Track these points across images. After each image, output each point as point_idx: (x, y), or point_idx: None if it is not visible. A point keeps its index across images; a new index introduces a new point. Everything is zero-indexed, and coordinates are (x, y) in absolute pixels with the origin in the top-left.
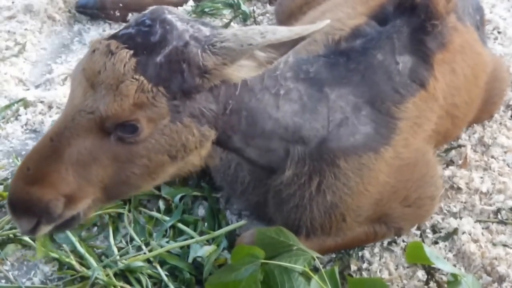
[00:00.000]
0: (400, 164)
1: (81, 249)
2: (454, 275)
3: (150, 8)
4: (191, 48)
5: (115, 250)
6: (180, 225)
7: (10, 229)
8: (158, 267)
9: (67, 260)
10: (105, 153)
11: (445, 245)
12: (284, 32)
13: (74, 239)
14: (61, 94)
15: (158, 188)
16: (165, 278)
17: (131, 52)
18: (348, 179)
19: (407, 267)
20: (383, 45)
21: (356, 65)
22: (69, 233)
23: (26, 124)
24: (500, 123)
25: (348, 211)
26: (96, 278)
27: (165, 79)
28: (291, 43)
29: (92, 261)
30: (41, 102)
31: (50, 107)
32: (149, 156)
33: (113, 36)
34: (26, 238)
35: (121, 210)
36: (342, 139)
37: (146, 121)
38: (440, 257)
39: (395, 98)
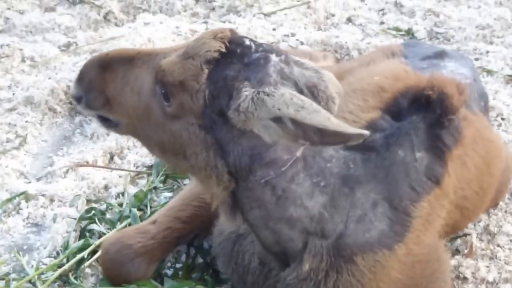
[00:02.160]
0: (412, 261)
1: None
2: None
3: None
4: (249, 89)
5: None
6: None
7: None
8: None
9: None
10: (145, 96)
11: None
12: (321, 118)
13: None
14: (63, 187)
15: (161, 281)
16: None
17: (223, 51)
18: (363, 276)
19: None
20: (403, 141)
21: (382, 161)
22: None
23: (27, 218)
24: (506, 211)
25: None
26: None
27: (216, 90)
28: (333, 139)
29: None
30: (43, 195)
31: (52, 200)
32: (164, 133)
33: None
34: None
35: None
36: (358, 235)
37: (177, 103)
38: None
39: (412, 196)
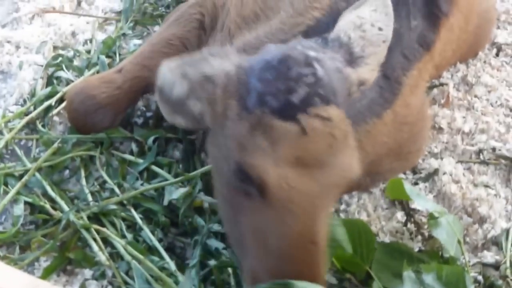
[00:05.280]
0: (399, 124)
1: (52, 193)
2: (432, 215)
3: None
4: (347, 73)
5: (87, 193)
6: (154, 168)
7: None
8: (132, 210)
9: (40, 203)
10: None
11: (426, 186)
12: None
13: (45, 182)
14: (29, 33)
15: (131, 130)
16: (140, 221)
17: (333, 105)
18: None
19: (386, 209)
20: (400, 11)
21: None
22: (39, 176)
23: None
24: (485, 62)
25: None
26: (68, 221)
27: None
28: None
29: (63, 204)
30: (8, 42)
31: (17, 47)
32: None
33: (303, 106)
34: None
35: (92, 153)
36: (350, 108)
37: None
38: (421, 194)
39: (404, 65)
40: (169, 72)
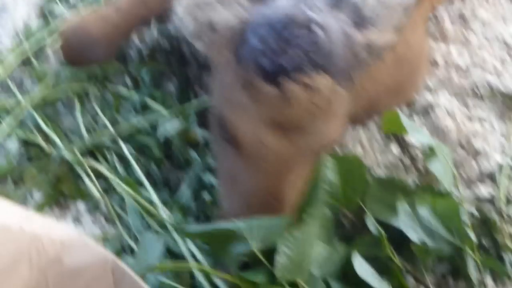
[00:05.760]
0: (400, 64)
1: (46, 128)
2: (430, 149)
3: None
4: (354, 36)
5: (82, 127)
6: (149, 101)
7: None
8: (125, 145)
9: (33, 139)
10: None
11: (421, 121)
12: None
13: (39, 117)
14: None
15: (125, 63)
16: (130, 157)
17: (325, 74)
18: None
19: (381, 141)
20: None
21: None
22: (33, 111)
23: None
24: None
25: None
26: (62, 155)
27: (346, 77)
28: None
29: (57, 139)
30: None
31: None
32: None
33: (290, 72)
34: None
35: (88, 87)
36: None
37: None
38: (417, 128)
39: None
40: (182, 10)
